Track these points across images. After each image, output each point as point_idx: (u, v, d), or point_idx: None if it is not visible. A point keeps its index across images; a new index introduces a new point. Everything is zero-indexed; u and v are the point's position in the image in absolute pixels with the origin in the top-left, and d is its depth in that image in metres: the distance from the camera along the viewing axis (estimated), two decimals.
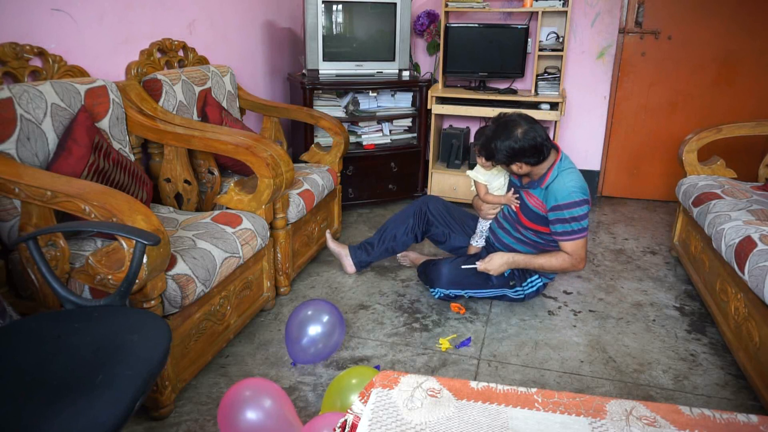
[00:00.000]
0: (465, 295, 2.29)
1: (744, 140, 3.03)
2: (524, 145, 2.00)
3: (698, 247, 2.46)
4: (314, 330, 1.85)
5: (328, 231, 2.70)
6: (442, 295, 2.28)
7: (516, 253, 2.19)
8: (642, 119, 3.66)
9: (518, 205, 2.20)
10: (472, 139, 3.69)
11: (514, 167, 2.08)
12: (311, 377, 1.86)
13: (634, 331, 2.18)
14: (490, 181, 2.30)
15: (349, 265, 2.56)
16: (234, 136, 2.11)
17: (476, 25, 3.48)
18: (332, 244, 2.62)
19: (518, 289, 2.28)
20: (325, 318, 1.87)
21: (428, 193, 3.61)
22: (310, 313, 1.88)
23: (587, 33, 3.54)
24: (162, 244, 1.44)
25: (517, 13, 3.55)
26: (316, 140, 3.20)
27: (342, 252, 2.57)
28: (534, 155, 2.03)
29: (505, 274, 2.24)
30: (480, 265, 2.17)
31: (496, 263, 2.15)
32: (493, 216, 2.35)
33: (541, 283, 2.30)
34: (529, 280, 2.28)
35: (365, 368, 1.63)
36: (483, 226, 2.38)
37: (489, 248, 2.37)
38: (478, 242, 2.40)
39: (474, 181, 2.32)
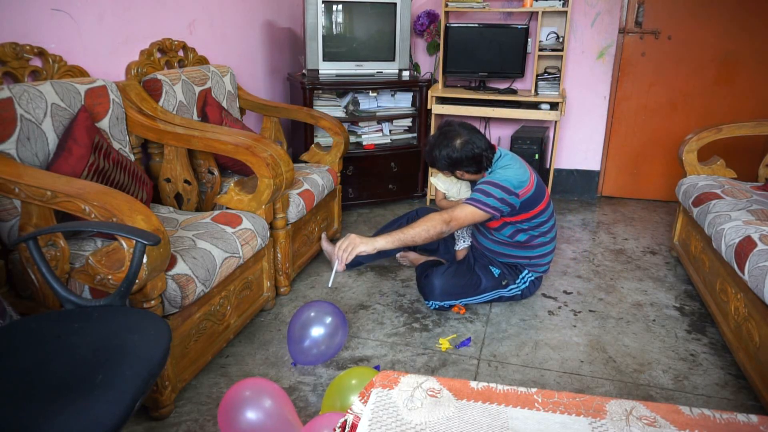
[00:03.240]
0: (460, 303, 2.29)
1: (744, 140, 3.03)
2: (461, 156, 2.11)
3: (698, 247, 2.46)
4: (317, 332, 1.85)
5: (324, 233, 2.72)
6: (437, 306, 2.28)
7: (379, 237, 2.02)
8: (642, 119, 3.66)
9: None
10: None
11: (458, 174, 2.22)
12: (311, 377, 1.86)
13: (634, 331, 2.18)
14: (449, 188, 2.49)
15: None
16: (234, 136, 2.11)
17: (476, 25, 3.47)
18: (326, 245, 2.66)
19: (512, 286, 2.29)
20: (328, 320, 1.87)
21: (428, 194, 3.62)
22: (313, 314, 1.87)
23: (587, 33, 3.54)
24: (162, 244, 1.44)
25: (517, 13, 3.55)
26: (316, 140, 3.20)
27: (333, 251, 2.56)
28: (472, 165, 2.14)
29: (496, 275, 2.26)
30: (339, 265, 1.94)
31: (355, 242, 1.93)
32: None
33: (532, 277, 2.31)
34: (520, 276, 2.29)
35: (365, 368, 1.63)
36: (461, 229, 2.39)
37: (474, 252, 2.40)
38: (459, 245, 2.47)
39: (435, 187, 2.56)
